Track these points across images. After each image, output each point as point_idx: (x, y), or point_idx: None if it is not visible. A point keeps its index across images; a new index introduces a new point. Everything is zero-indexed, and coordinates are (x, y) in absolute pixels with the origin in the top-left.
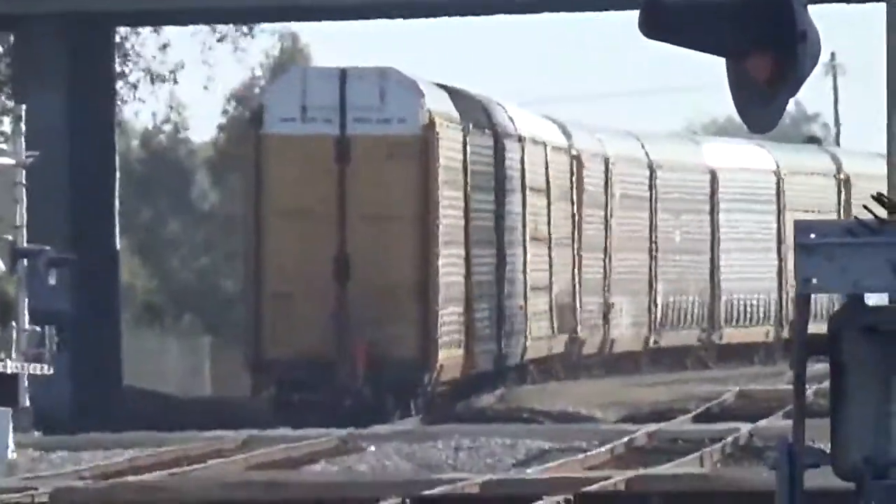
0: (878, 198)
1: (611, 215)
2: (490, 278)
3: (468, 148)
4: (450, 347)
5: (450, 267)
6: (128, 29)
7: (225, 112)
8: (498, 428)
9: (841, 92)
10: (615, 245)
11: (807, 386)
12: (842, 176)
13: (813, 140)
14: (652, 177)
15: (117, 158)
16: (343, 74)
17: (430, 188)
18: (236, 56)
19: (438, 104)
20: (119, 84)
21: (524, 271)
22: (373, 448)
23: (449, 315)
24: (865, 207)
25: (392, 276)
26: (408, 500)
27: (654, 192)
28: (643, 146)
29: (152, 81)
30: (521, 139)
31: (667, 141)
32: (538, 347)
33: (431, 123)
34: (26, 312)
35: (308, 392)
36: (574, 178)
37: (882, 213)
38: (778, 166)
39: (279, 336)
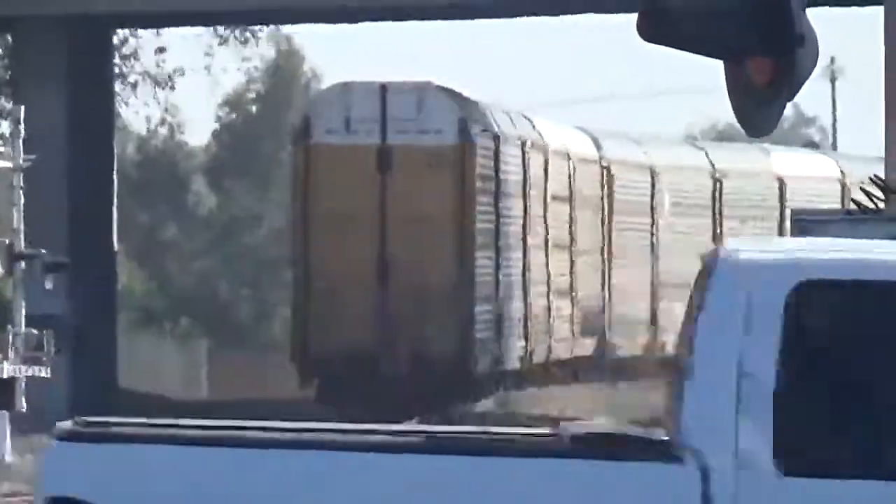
0: (875, 180)
1: (657, 224)
2: (518, 280)
3: (499, 157)
4: (484, 344)
5: (483, 268)
6: (127, 31)
7: (219, 118)
8: None
9: (839, 95)
10: (664, 251)
11: None
12: None
13: (811, 145)
14: (716, 185)
15: (115, 161)
16: (384, 88)
17: (466, 195)
18: (235, 62)
19: (472, 116)
20: (118, 86)
21: (547, 275)
22: None
23: (483, 314)
24: (863, 190)
25: (430, 277)
26: None
27: (718, 199)
28: (707, 156)
29: (155, 85)
30: (545, 150)
31: (733, 151)
32: (563, 348)
33: (467, 134)
34: (23, 315)
35: (351, 386)
36: (605, 189)
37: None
38: (843, 174)
39: (324, 333)
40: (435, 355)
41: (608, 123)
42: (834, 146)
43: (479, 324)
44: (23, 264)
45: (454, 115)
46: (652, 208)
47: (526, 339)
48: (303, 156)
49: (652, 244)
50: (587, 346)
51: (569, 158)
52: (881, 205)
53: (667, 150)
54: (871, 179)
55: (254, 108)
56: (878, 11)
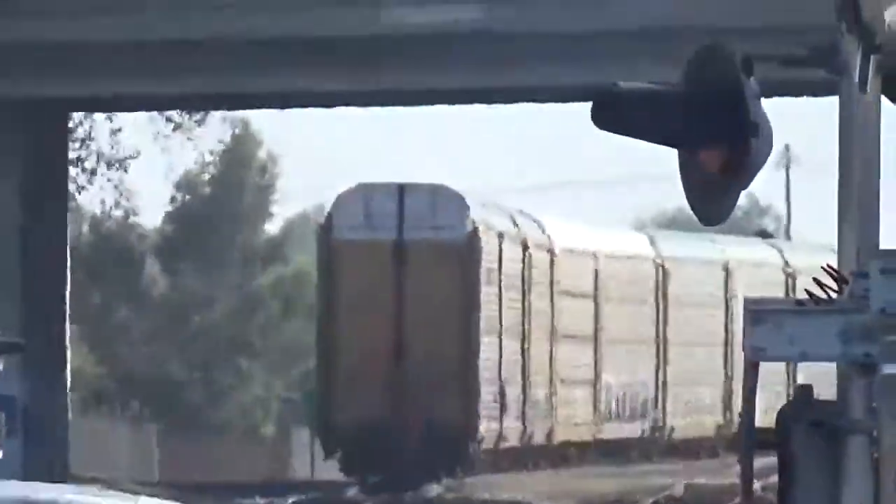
0: (829, 270)
1: (731, 315)
2: (517, 366)
3: (502, 253)
4: (488, 421)
5: (487, 352)
6: (83, 115)
7: (173, 199)
8: None
9: (793, 184)
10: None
11: (755, 480)
12: None
13: (764, 234)
14: (788, 280)
15: (69, 244)
16: (401, 188)
17: (473, 286)
18: (189, 143)
19: (480, 215)
20: (74, 171)
21: (550, 363)
22: None
23: (486, 393)
24: (816, 280)
25: (440, 359)
26: None
27: (793, 293)
28: (781, 253)
29: (108, 167)
30: (550, 249)
31: (806, 248)
32: (574, 432)
33: (475, 231)
34: None
35: (371, 456)
36: (658, 283)
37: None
38: None
39: (347, 409)
40: (443, 428)
41: (556, 211)
42: (787, 235)
43: (483, 402)
44: None
45: (463, 215)
46: (726, 301)
47: (523, 422)
48: (326, 250)
49: (725, 333)
50: (627, 430)
51: (595, 257)
52: (833, 295)
53: (741, 247)
54: (823, 269)
55: (207, 190)
56: (832, 101)
